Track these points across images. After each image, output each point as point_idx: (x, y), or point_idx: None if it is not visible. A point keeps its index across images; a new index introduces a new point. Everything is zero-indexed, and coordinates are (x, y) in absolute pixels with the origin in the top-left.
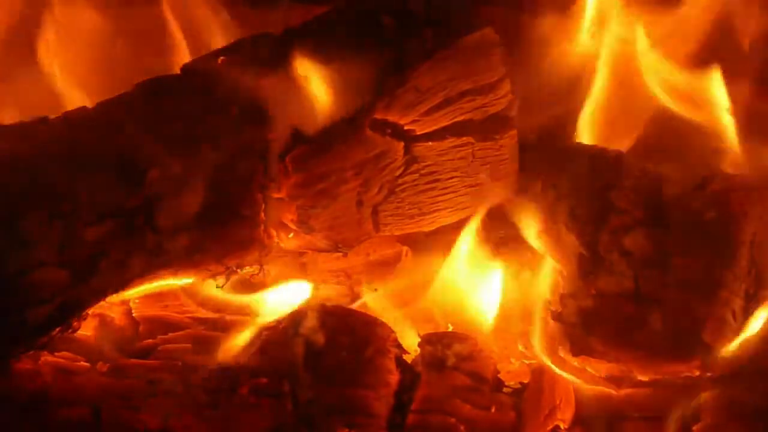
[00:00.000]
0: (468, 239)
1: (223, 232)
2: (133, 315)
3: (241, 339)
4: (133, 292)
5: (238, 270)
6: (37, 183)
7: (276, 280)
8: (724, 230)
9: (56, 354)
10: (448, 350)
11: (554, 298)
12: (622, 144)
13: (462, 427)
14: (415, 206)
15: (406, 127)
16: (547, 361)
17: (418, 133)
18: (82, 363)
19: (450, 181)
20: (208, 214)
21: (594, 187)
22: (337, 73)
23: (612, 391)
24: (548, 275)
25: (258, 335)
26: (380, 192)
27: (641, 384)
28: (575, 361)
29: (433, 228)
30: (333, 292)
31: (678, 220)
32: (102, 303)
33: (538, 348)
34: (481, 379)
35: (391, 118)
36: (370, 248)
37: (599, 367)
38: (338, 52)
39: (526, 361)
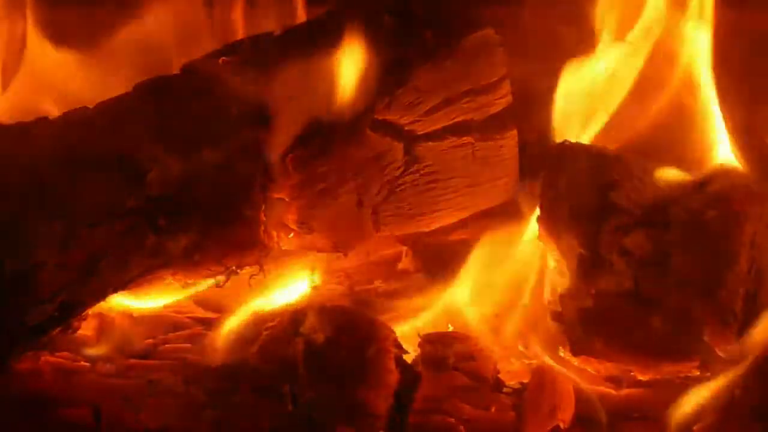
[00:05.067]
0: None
1: (224, 233)
2: (133, 315)
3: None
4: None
5: (238, 270)
6: (37, 183)
7: (276, 281)
8: (724, 230)
9: (56, 354)
10: (448, 350)
11: (554, 298)
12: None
13: (462, 427)
14: (415, 206)
15: (406, 127)
16: (548, 361)
17: (418, 133)
18: (82, 363)
19: (450, 181)
20: (208, 214)
21: (594, 187)
22: (336, 73)
23: (612, 391)
24: (548, 275)
25: (258, 334)
26: (380, 192)
27: (641, 384)
28: (575, 361)
29: (433, 228)
30: (333, 292)
31: (678, 220)
32: (102, 303)
33: (538, 348)
34: (481, 379)
35: (391, 118)
36: (370, 248)
37: (599, 367)
38: (338, 53)
39: (526, 361)
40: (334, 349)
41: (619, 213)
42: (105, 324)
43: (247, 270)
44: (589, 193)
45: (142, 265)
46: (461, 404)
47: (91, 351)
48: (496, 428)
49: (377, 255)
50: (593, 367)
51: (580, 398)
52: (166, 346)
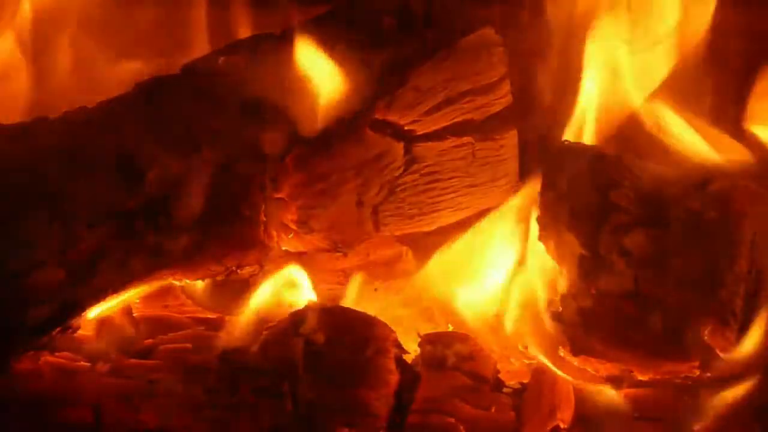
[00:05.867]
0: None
1: (224, 233)
2: (133, 315)
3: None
4: (133, 293)
5: (238, 270)
6: (37, 183)
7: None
8: (724, 230)
9: (56, 354)
10: (448, 350)
11: (554, 298)
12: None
13: (462, 427)
14: (415, 206)
15: (406, 127)
16: (547, 361)
17: (418, 133)
18: (82, 363)
19: (450, 181)
20: (208, 214)
21: (594, 187)
22: (337, 73)
23: (612, 391)
24: (548, 275)
25: (258, 335)
26: (380, 192)
27: (641, 384)
28: (575, 361)
29: (433, 228)
30: (333, 292)
31: (678, 220)
32: (102, 303)
33: (538, 348)
34: (481, 379)
35: (391, 118)
36: (370, 248)
37: (599, 367)
38: (338, 53)
39: (526, 361)
40: (334, 349)
41: (619, 213)
42: (105, 324)
43: (247, 270)
44: (589, 193)
45: (142, 265)
46: (461, 404)
47: (91, 351)
48: (496, 428)
49: (377, 255)
50: (593, 367)
51: (580, 398)
52: (166, 346)
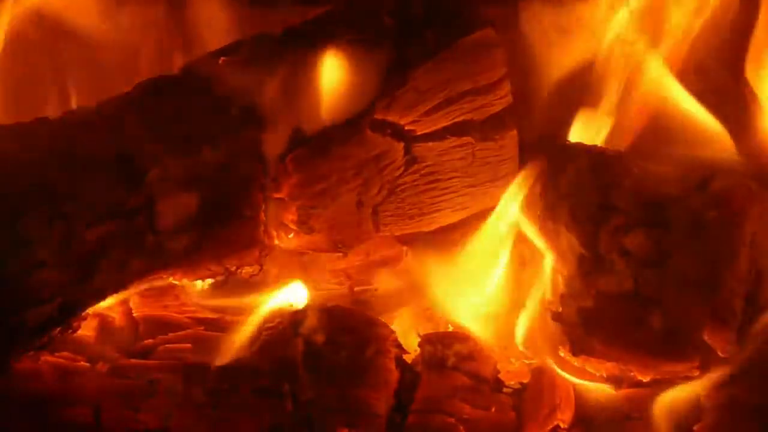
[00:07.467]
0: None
1: (224, 233)
2: (133, 315)
3: (240, 338)
4: (133, 293)
5: (238, 270)
6: (37, 183)
7: (276, 281)
8: (724, 230)
9: (56, 354)
10: (448, 350)
11: (554, 298)
12: (622, 144)
13: (462, 427)
14: (415, 206)
15: (406, 128)
16: (547, 361)
17: (418, 133)
18: (82, 363)
19: (450, 181)
20: (208, 214)
21: (594, 187)
22: (337, 73)
23: (612, 391)
24: (548, 275)
25: (258, 335)
26: (380, 192)
27: (641, 384)
28: (575, 361)
29: (433, 228)
30: (333, 292)
31: (678, 220)
32: (102, 303)
33: (538, 348)
34: (481, 379)
35: (391, 118)
36: (370, 248)
37: (599, 367)
38: (338, 53)
39: (526, 361)
40: (334, 350)
41: (619, 213)
42: (105, 324)
43: (247, 270)
44: (589, 193)
45: (142, 265)
46: (461, 404)
47: (91, 351)
48: (496, 428)
49: (377, 255)
50: (593, 367)
51: (580, 398)
52: (166, 346)
